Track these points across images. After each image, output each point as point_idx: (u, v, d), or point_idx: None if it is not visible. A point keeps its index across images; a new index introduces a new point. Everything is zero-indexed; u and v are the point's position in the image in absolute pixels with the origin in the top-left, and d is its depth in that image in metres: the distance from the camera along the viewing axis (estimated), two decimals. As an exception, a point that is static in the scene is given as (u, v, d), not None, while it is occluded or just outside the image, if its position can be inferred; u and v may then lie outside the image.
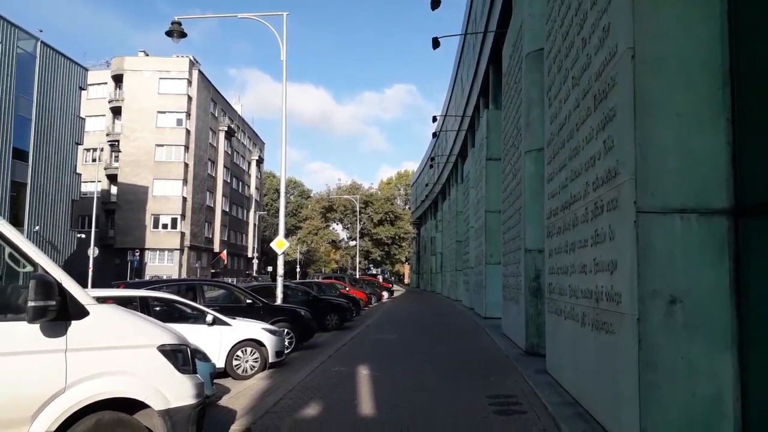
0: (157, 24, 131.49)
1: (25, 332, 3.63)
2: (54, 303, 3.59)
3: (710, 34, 4.63)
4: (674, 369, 4.40)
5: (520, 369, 9.17)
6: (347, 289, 26.79)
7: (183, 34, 15.81)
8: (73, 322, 3.81)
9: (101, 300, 4.66)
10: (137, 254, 49.52)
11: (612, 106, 5.21)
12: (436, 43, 18.38)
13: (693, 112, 4.61)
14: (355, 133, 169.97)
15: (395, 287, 58.13)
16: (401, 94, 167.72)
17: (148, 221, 53.60)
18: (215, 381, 7.56)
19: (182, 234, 54.06)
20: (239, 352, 9.28)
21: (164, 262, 53.58)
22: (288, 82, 16.64)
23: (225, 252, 61.15)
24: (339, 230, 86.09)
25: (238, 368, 9.24)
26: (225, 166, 64.77)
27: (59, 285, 3.71)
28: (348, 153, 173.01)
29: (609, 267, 5.24)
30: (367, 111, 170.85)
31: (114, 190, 54.40)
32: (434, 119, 35.50)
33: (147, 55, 57.95)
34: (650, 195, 4.56)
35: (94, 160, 49.12)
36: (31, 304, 3.51)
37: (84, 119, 43.31)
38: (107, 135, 53.95)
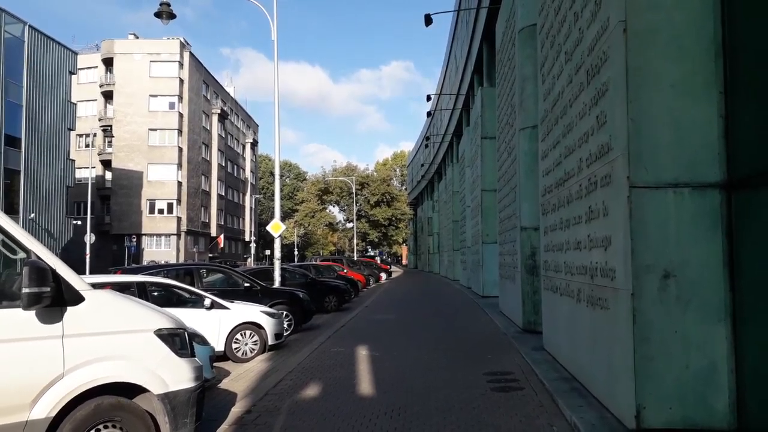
0: (147, 4, 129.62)
1: (21, 319, 3.63)
2: (48, 289, 3.58)
3: (702, 6, 4.59)
4: (668, 343, 4.44)
5: (517, 346, 9.25)
6: (345, 271, 26.86)
7: (172, 15, 15.60)
8: (69, 308, 3.81)
9: (99, 286, 4.66)
10: (134, 240, 49.47)
11: (604, 80, 5.18)
12: (428, 20, 18.18)
13: (686, 86, 4.59)
14: (352, 112, 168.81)
15: (393, 268, 58.36)
16: (398, 71, 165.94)
17: (144, 206, 53.45)
18: (215, 364, 7.61)
19: (178, 219, 53.97)
20: (238, 336, 9.32)
21: (161, 247, 53.56)
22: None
23: (222, 236, 61.16)
24: (336, 212, 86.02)
25: (238, 351, 9.29)
26: (219, 150, 64.44)
27: (53, 271, 3.70)
28: (345, 133, 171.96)
29: (603, 243, 5.26)
30: (364, 89, 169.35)
31: (108, 175, 54.17)
32: (428, 98, 35.21)
33: (137, 37, 57.24)
34: (643, 170, 4.56)
35: (87, 146, 48.83)
36: (25, 290, 3.50)
37: (75, 104, 42.88)
38: (99, 120, 53.54)
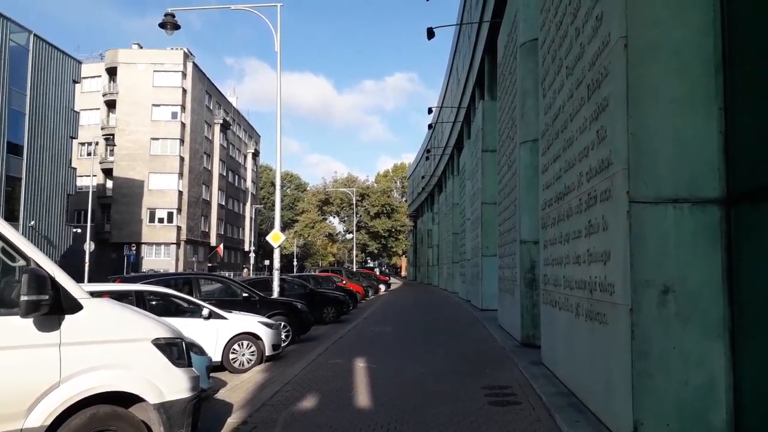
0: (152, 11, 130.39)
1: (18, 327, 3.62)
2: (47, 297, 3.58)
3: (703, 22, 4.62)
4: (667, 358, 4.42)
5: (515, 360, 9.21)
6: (344, 282, 26.83)
7: (176, 26, 15.74)
8: (67, 317, 3.80)
9: (97, 294, 4.66)
10: (134, 248, 49.44)
11: (605, 95, 5.21)
12: (430, 33, 18.29)
13: (686, 101, 4.61)
14: (356, 123, 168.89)
15: (392, 280, 58.23)
16: (402, 82, 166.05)
17: (144, 215, 53.49)
18: (212, 375, 7.58)
19: (178, 228, 53.98)
20: (236, 346, 9.29)
21: (161, 256, 53.53)
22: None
23: (221, 246, 61.14)
24: (336, 223, 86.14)
25: (235, 362, 9.25)
26: (221, 160, 64.61)
27: (52, 279, 3.70)
28: (348, 144, 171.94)
29: (602, 257, 5.26)
30: (368, 100, 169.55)
31: (109, 184, 54.27)
32: (430, 111, 35.43)
33: (141, 47, 57.63)
34: (643, 185, 4.57)
35: (89, 154, 48.94)
36: (24, 298, 3.50)
37: (78, 113, 43.07)
38: (102, 129, 53.76)
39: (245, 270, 54.36)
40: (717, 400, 4.35)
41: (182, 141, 54.83)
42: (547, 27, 8.17)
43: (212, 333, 8.97)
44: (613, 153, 4.95)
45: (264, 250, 69.57)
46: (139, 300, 8.42)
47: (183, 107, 55.10)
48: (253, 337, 9.43)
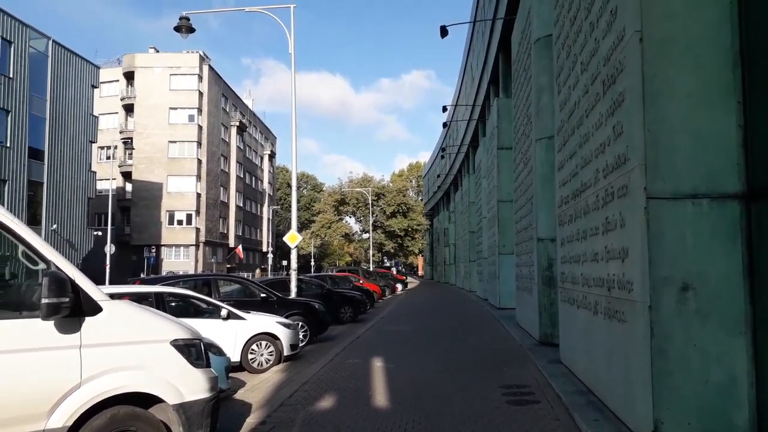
0: (168, 12, 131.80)
1: (39, 329, 3.68)
2: (67, 300, 3.63)
3: (719, 15, 4.55)
4: (687, 356, 4.36)
5: (533, 359, 9.15)
6: (361, 281, 26.86)
7: (191, 30, 15.89)
8: (87, 319, 3.86)
9: (117, 296, 4.72)
10: (153, 251, 49.98)
11: (621, 90, 5.15)
12: (444, 31, 18.23)
13: (703, 95, 4.54)
14: (373, 122, 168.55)
15: (409, 279, 58.18)
16: (419, 80, 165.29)
17: (163, 218, 54.05)
18: (231, 375, 7.64)
19: (197, 230, 54.48)
20: (254, 346, 9.36)
21: (180, 258, 54.05)
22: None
23: (240, 247, 61.58)
24: (352, 223, 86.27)
25: (254, 362, 9.32)
26: (237, 162, 65.06)
27: (72, 282, 3.75)
28: (365, 143, 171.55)
29: (620, 254, 5.20)
30: (386, 99, 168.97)
31: (129, 187, 54.94)
32: (444, 109, 35.35)
33: (157, 51, 58.25)
34: (661, 180, 4.51)
35: (108, 158, 49.59)
36: (44, 301, 3.56)
37: (97, 117, 43.65)
38: (120, 132, 54.47)
39: (258, 270, 54.70)
40: (739, 398, 4.28)
41: (199, 144, 55.32)
42: (561, 23, 8.10)
43: (231, 333, 9.04)
44: (630, 149, 4.89)
45: (282, 250, 69.92)
46: (159, 301, 8.52)
47: (200, 110, 55.59)
48: (272, 338, 9.49)
